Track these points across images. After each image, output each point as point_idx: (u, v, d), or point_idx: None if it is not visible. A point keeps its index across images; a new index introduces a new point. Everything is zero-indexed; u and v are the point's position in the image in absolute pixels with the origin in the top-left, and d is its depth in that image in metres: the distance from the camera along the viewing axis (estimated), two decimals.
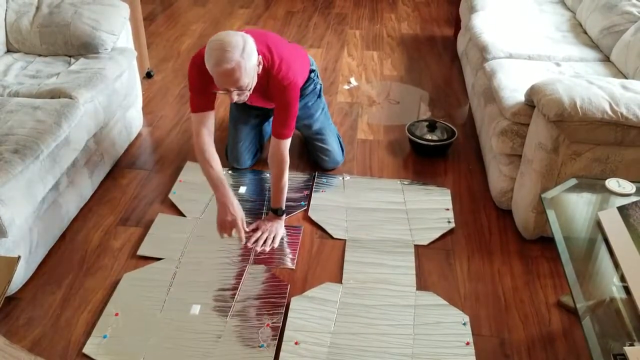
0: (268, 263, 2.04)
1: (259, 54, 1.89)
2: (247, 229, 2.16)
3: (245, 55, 1.79)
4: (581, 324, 1.29)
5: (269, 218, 2.18)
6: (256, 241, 2.11)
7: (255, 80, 1.89)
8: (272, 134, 2.06)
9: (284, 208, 2.16)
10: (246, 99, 1.92)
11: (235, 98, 1.86)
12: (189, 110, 3.00)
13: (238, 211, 2.01)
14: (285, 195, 2.15)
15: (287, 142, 2.06)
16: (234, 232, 2.02)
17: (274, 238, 2.12)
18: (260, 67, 1.91)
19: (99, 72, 2.34)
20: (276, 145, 2.05)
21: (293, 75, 2.01)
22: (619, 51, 2.54)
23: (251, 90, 1.90)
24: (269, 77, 1.99)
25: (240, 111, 2.46)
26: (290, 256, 2.08)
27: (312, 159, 2.55)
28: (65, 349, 1.72)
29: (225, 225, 2.01)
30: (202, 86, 1.98)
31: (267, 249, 2.09)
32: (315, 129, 2.43)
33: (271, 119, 2.60)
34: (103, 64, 2.41)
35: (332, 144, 2.50)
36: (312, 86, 2.36)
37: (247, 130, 2.46)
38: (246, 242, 2.10)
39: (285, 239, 2.15)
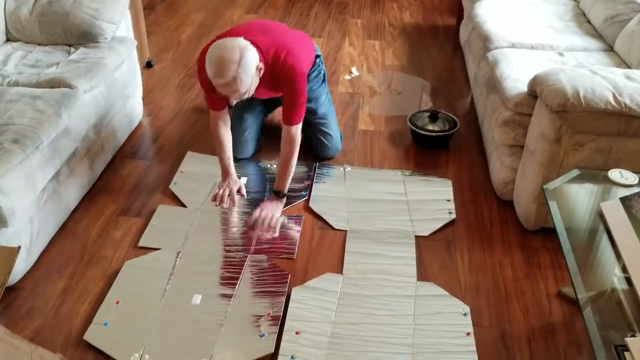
0: (269, 253, 2.04)
1: (260, 54, 1.95)
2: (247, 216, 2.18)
3: (241, 69, 1.86)
4: (582, 314, 1.28)
5: (269, 199, 2.22)
6: (255, 222, 2.12)
7: (257, 82, 1.97)
8: (283, 121, 2.11)
9: (285, 192, 2.19)
10: (247, 98, 2.00)
11: (235, 102, 1.98)
12: (189, 99, 3.02)
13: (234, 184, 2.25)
14: (289, 179, 2.18)
15: (299, 126, 2.13)
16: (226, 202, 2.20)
17: (271, 218, 2.13)
18: (262, 71, 1.97)
19: (99, 62, 2.33)
20: (288, 130, 2.12)
21: (299, 65, 2.06)
22: (622, 41, 2.52)
23: (252, 92, 1.98)
24: (274, 70, 2.03)
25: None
26: (291, 246, 2.08)
27: (312, 145, 2.53)
28: (66, 339, 1.72)
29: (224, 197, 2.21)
30: (210, 86, 2.01)
31: (265, 229, 2.11)
32: (320, 113, 2.45)
33: (274, 109, 2.63)
34: (103, 54, 2.39)
35: (334, 130, 2.52)
36: (316, 72, 2.38)
37: (253, 119, 2.49)
38: (246, 221, 2.17)
39: (287, 226, 2.15)
